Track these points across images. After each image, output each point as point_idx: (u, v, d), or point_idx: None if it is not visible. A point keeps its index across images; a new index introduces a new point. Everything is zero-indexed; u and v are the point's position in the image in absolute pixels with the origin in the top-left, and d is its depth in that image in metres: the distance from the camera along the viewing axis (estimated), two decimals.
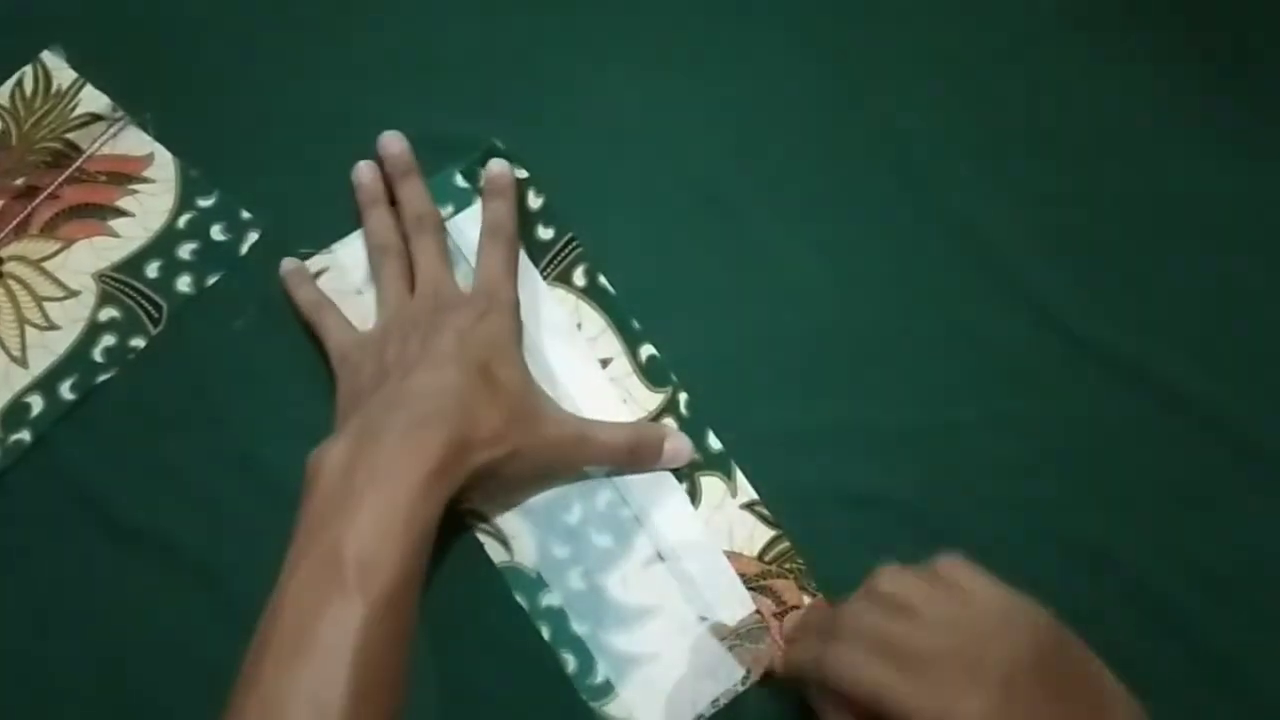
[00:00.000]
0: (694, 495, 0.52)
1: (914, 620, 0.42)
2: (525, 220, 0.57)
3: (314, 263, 0.56)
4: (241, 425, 0.54)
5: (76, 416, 0.54)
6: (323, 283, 0.56)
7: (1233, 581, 0.50)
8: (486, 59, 0.61)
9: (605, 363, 0.54)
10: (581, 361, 0.54)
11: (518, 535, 0.51)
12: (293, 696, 0.40)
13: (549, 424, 0.50)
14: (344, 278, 0.56)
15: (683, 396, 0.54)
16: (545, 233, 0.57)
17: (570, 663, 0.49)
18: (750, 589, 0.50)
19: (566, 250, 0.56)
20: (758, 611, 0.50)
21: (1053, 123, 0.59)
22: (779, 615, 0.50)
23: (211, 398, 0.55)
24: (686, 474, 0.52)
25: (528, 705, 0.49)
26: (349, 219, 0.57)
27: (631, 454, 0.52)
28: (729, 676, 0.49)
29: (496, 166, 0.56)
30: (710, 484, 0.52)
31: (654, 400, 0.54)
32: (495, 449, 0.47)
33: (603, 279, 0.56)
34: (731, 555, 0.51)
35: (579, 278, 0.56)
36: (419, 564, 0.44)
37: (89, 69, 0.60)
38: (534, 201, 0.57)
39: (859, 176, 0.58)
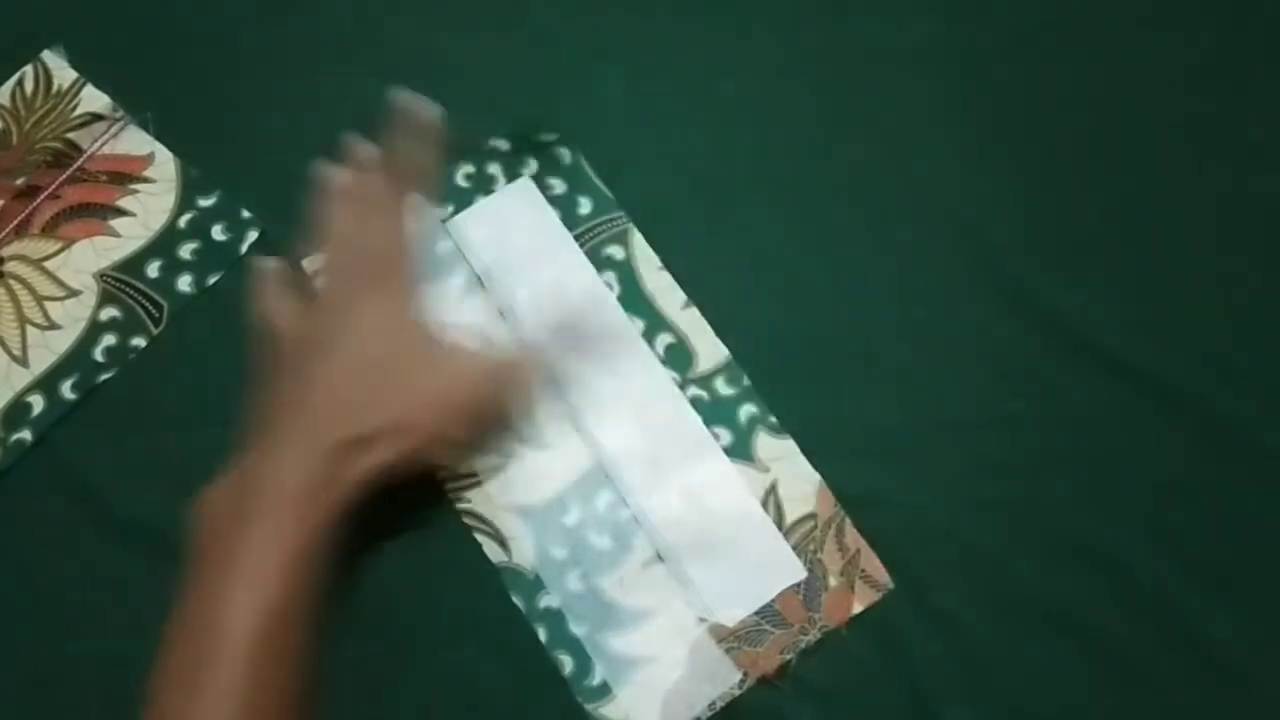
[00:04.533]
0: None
1: None
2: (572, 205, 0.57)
3: (314, 262, 0.56)
4: (241, 425, 0.54)
5: (77, 416, 0.54)
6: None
7: (1232, 581, 0.50)
8: (495, 58, 0.61)
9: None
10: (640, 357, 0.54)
11: (516, 536, 0.51)
12: None
13: (456, 386, 0.49)
14: None
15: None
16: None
17: (567, 664, 0.49)
18: None
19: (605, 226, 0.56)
20: None
21: (1053, 123, 0.58)
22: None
23: (211, 398, 0.55)
24: None
25: (524, 707, 0.49)
26: None
27: (531, 365, 0.52)
28: (726, 679, 0.49)
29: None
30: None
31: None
32: (391, 445, 0.47)
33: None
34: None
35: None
36: (312, 599, 0.44)
37: (89, 68, 0.60)
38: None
39: (858, 176, 0.58)
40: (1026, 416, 0.53)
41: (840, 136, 0.59)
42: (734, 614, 0.50)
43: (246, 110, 0.60)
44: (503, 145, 0.58)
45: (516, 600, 0.50)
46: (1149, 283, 0.55)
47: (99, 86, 0.60)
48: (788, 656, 0.49)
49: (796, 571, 0.50)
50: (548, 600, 0.50)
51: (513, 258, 0.56)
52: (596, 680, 0.49)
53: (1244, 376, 0.53)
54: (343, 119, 0.59)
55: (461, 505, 0.52)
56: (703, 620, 0.50)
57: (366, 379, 0.47)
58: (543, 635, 0.50)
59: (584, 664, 0.49)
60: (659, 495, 0.52)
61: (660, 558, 0.51)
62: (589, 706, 0.49)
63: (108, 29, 0.61)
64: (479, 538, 0.51)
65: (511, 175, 0.58)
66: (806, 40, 0.61)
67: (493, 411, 0.52)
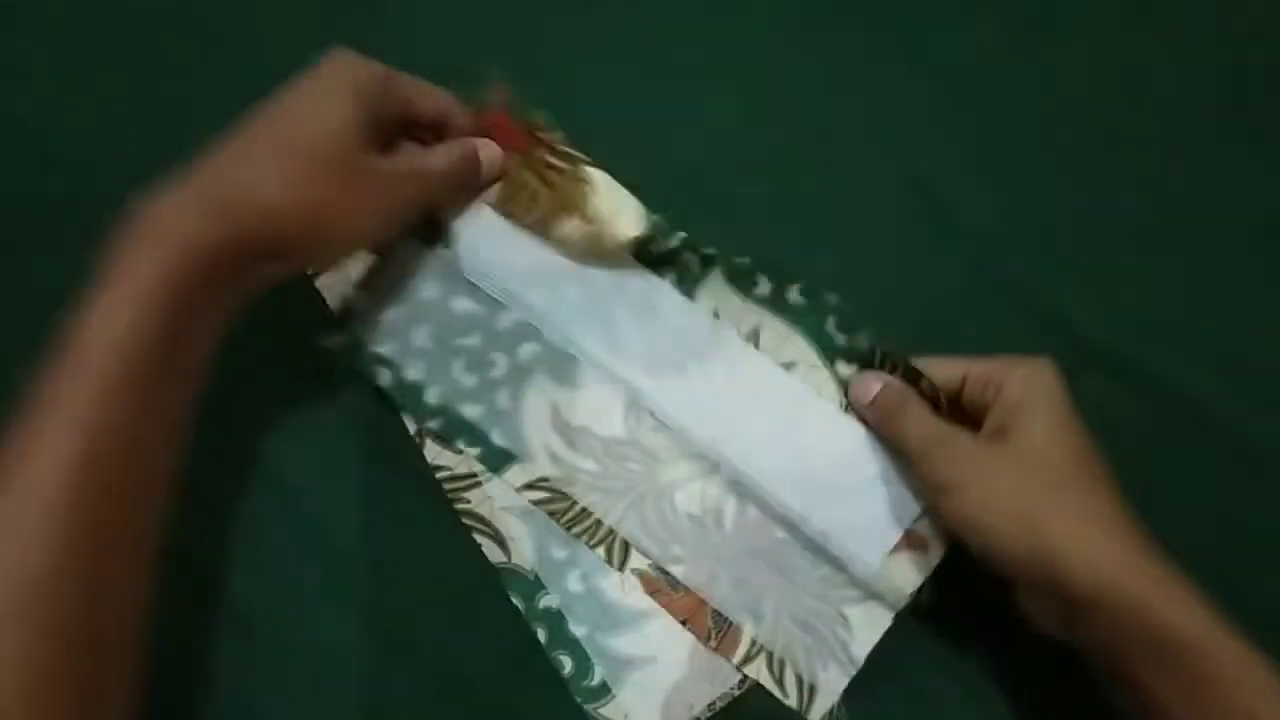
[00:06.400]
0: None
1: None
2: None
3: None
4: (241, 426, 0.54)
5: None
6: (322, 283, 0.56)
7: (1232, 580, 0.50)
8: (492, 57, 0.60)
9: (789, 366, 0.53)
10: (760, 369, 0.53)
11: (515, 537, 0.51)
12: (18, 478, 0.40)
13: (373, 184, 0.48)
14: (343, 277, 0.56)
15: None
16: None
17: (567, 665, 0.49)
18: None
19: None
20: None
21: (1053, 123, 0.58)
22: None
23: (212, 397, 0.55)
24: None
25: (524, 707, 0.49)
26: None
27: (461, 171, 0.52)
28: (726, 679, 0.49)
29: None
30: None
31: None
32: (297, 228, 0.46)
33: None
34: None
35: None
36: (174, 336, 0.43)
37: (88, 66, 0.60)
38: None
39: (858, 177, 0.58)
40: None
41: (840, 136, 0.59)
42: (877, 552, 0.49)
43: (246, 110, 0.60)
44: None
45: (516, 600, 0.51)
46: (1149, 283, 0.55)
47: (98, 85, 0.60)
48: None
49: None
50: (548, 600, 0.50)
51: (525, 267, 0.54)
52: (596, 680, 0.49)
53: (1245, 377, 0.53)
54: None
55: (461, 505, 0.52)
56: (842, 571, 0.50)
57: (285, 162, 0.46)
58: (542, 635, 0.50)
59: (584, 664, 0.49)
60: (765, 455, 0.51)
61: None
62: (589, 707, 0.49)
63: (107, 26, 0.62)
64: (479, 538, 0.51)
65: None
66: (808, 41, 0.61)
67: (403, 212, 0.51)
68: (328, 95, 0.48)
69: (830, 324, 0.53)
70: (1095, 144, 0.58)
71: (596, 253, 0.53)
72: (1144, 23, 0.61)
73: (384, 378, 0.53)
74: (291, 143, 0.47)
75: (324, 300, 0.56)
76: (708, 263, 0.53)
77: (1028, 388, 0.46)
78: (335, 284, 0.56)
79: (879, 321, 0.55)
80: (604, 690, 0.49)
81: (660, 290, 0.53)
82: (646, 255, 0.53)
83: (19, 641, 0.38)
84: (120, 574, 0.42)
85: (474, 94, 0.54)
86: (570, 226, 0.53)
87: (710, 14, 0.62)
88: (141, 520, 0.43)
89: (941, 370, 0.50)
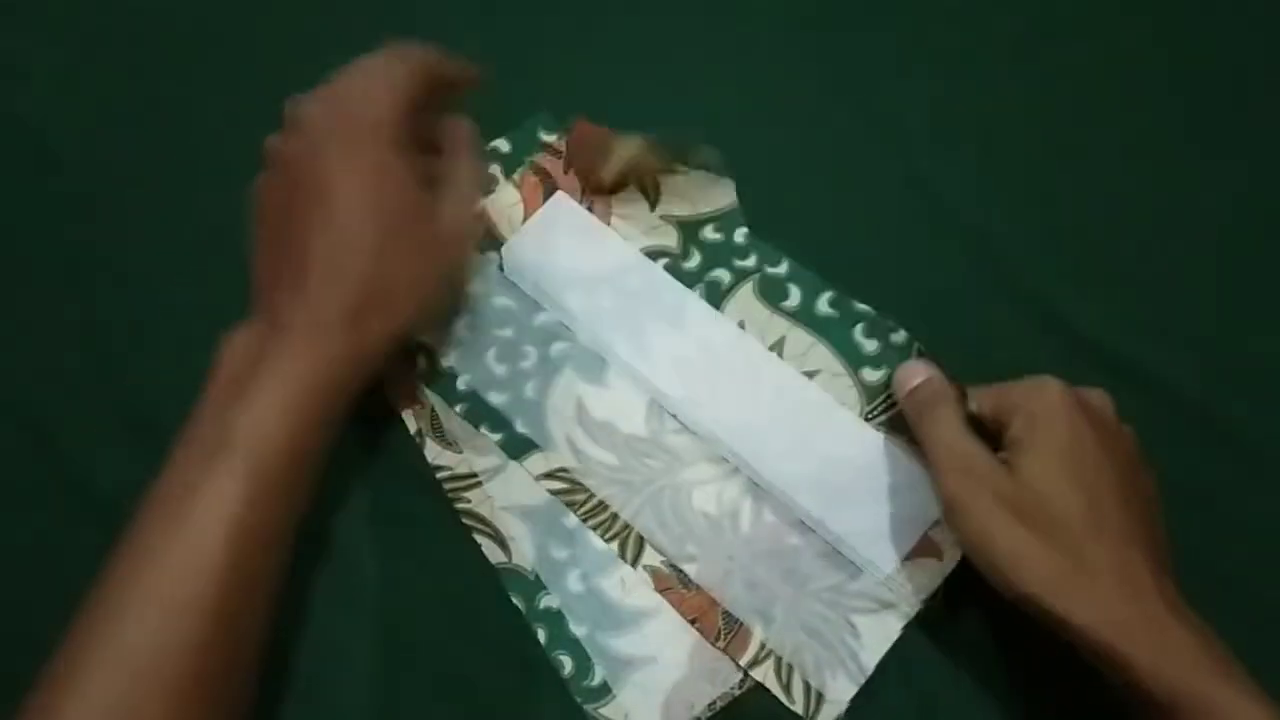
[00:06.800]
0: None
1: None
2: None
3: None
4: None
5: (78, 416, 0.54)
6: None
7: (1232, 580, 0.50)
8: (493, 57, 0.60)
9: (811, 375, 0.53)
10: (782, 377, 0.53)
11: (516, 537, 0.51)
12: (167, 556, 0.42)
13: (445, 251, 0.50)
14: None
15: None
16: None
17: (567, 665, 0.49)
18: None
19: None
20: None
21: (1053, 123, 0.58)
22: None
23: None
24: None
25: (524, 707, 0.49)
26: None
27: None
28: (727, 679, 0.49)
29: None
30: None
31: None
32: (405, 317, 0.48)
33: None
34: None
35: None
36: (313, 447, 0.45)
37: (88, 66, 0.60)
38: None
39: (858, 177, 0.58)
40: None
41: (840, 136, 0.59)
42: (891, 559, 0.50)
43: (246, 110, 0.60)
44: (503, 147, 0.58)
45: (516, 600, 0.50)
46: (1149, 283, 0.55)
47: (95, 83, 0.60)
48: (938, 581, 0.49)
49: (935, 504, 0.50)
50: (548, 600, 0.50)
51: (563, 272, 0.56)
52: (596, 680, 0.49)
53: (1245, 377, 0.53)
54: None
55: (461, 505, 0.52)
56: (862, 573, 0.50)
57: (352, 258, 0.46)
58: (542, 635, 0.50)
59: (584, 664, 0.49)
60: (785, 460, 0.52)
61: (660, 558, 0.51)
62: (589, 707, 0.49)
63: (106, 25, 0.61)
64: (479, 538, 0.51)
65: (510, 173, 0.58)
66: (808, 41, 0.61)
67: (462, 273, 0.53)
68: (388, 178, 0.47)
69: (858, 332, 0.54)
70: (1095, 144, 0.58)
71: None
72: (1144, 23, 0.61)
73: (420, 363, 0.54)
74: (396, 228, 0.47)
75: None
76: (741, 276, 0.55)
77: (1029, 425, 0.45)
78: None
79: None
80: (604, 690, 0.49)
81: (689, 301, 0.55)
82: (679, 272, 0.55)
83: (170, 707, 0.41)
84: (257, 639, 0.44)
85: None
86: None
87: (710, 14, 0.62)
88: (272, 592, 0.45)
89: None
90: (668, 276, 0.55)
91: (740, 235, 0.56)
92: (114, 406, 0.55)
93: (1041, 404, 0.46)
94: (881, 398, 0.52)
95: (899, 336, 0.53)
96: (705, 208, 0.56)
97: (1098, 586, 0.42)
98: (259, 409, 0.43)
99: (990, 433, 0.47)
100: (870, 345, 0.53)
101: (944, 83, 0.59)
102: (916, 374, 0.50)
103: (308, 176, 0.46)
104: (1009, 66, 0.60)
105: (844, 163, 0.58)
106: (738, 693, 0.48)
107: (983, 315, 0.55)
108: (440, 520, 0.52)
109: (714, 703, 0.48)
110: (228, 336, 0.46)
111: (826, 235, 0.56)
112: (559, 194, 0.57)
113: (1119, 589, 0.42)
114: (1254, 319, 0.55)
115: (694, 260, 0.55)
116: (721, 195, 0.56)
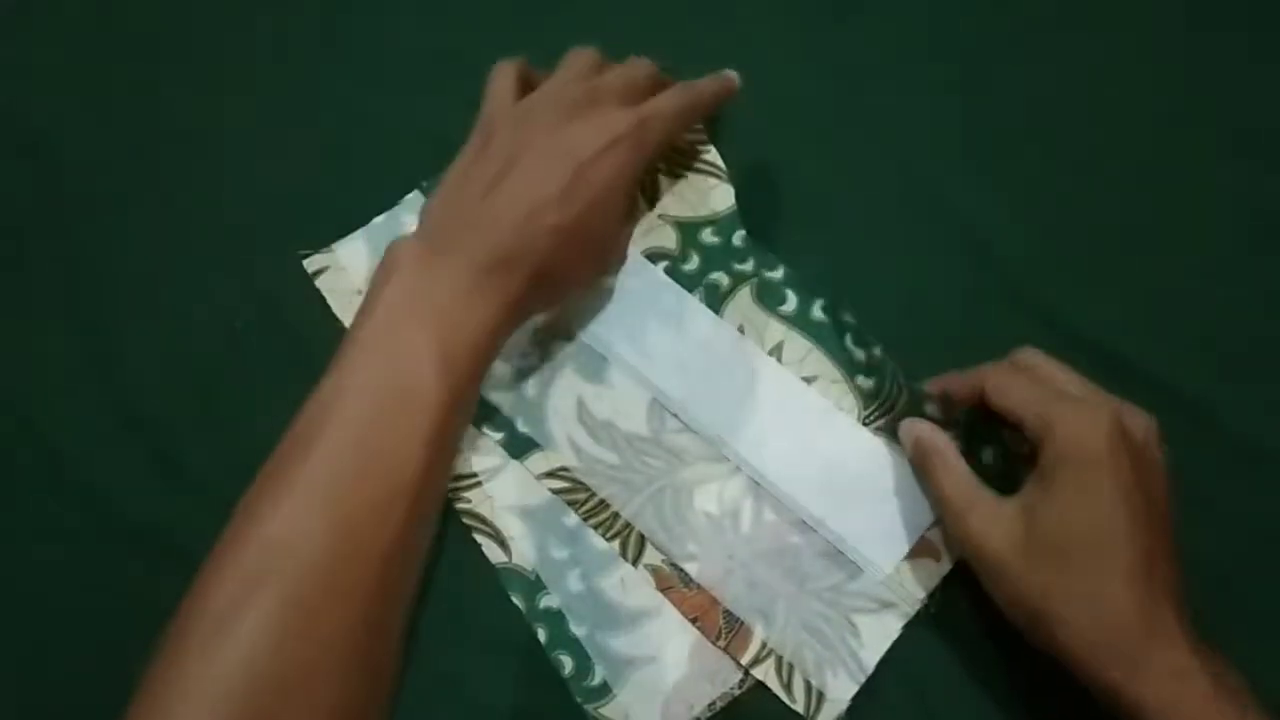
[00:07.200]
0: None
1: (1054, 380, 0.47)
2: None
3: (313, 262, 0.56)
4: (242, 425, 0.54)
5: (77, 415, 0.54)
6: (322, 283, 0.56)
7: (1232, 581, 0.50)
8: (493, 57, 0.61)
9: (810, 380, 0.53)
10: (782, 382, 0.53)
11: (516, 537, 0.51)
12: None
13: (613, 262, 0.53)
14: (344, 278, 0.56)
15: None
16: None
17: (567, 665, 0.49)
18: None
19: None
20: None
21: (1053, 123, 0.59)
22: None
23: (213, 397, 0.55)
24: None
25: (524, 707, 0.49)
26: (350, 218, 0.57)
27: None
28: (727, 679, 0.49)
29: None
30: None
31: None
32: (567, 293, 0.51)
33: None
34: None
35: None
36: (472, 394, 0.46)
37: (88, 66, 0.60)
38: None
39: (858, 177, 0.58)
40: None
41: (840, 136, 0.59)
42: (891, 558, 0.50)
43: (246, 110, 0.60)
44: None
45: (516, 600, 0.51)
46: (1149, 283, 0.55)
47: (91, 84, 0.60)
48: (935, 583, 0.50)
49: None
50: (548, 600, 0.50)
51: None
52: (596, 680, 0.49)
53: (1244, 376, 0.53)
54: (344, 118, 0.60)
55: (461, 505, 0.52)
56: (861, 571, 0.50)
57: (597, 251, 0.50)
58: (542, 635, 0.50)
59: (584, 664, 0.49)
60: (785, 461, 0.52)
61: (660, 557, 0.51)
62: (589, 706, 0.49)
63: (106, 23, 0.61)
64: (479, 538, 0.52)
65: None
66: (808, 41, 0.61)
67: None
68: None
69: (849, 340, 0.54)
70: (1095, 144, 0.58)
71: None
72: (1144, 23, 0.61)
73: None
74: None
75: (324, 299, 0.56)
76: (739, 280, 0.55)
77: (1065, 448, 0.44)
78: (335, 282, 0.56)
79: (879, 322, 0.55)
80: (604, 690, 0.49)
81: (689, 304, 0.54)
82: (678, 274, 0.55)
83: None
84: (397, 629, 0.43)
85: None
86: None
87: (710, 14, 0.62)
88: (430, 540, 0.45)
89: (1008, 400, 0.47)
90: (668, 279, 0.55)
91: (738, 239, 0.55)
92: (114, 406, 0.55)
93: (1083, 446, 0.44)
94: (876, 403, 0.52)
95: (878, 351, 0.53)
96: (703, 210, 0.56)
97: (1109, 624, 0.42)
98: (425, 361, 0.43)
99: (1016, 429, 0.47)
100: (859, 354, 0.53)
101: (944, 82, 0.59)
102: (910, 431, 0.50)
103: (567, 144, 0.48)
104: (1009, 66, 0.60)
105: (844, 163, 0.58)
106: (738, 693, 0.48)
107: (982, 315, 0.55)
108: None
109: (714, 703, 0.48)
110: (396, 248, 0.46)
111: (827, 235, 0.57)
112: None
113: (1132, 627, 0.42)
114: (1253, 319, 0.55)
115: (693, 263, 0.55)
116: (720, 198, 0.56)
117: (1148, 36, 0.60)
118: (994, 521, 0.45)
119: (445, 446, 0.44)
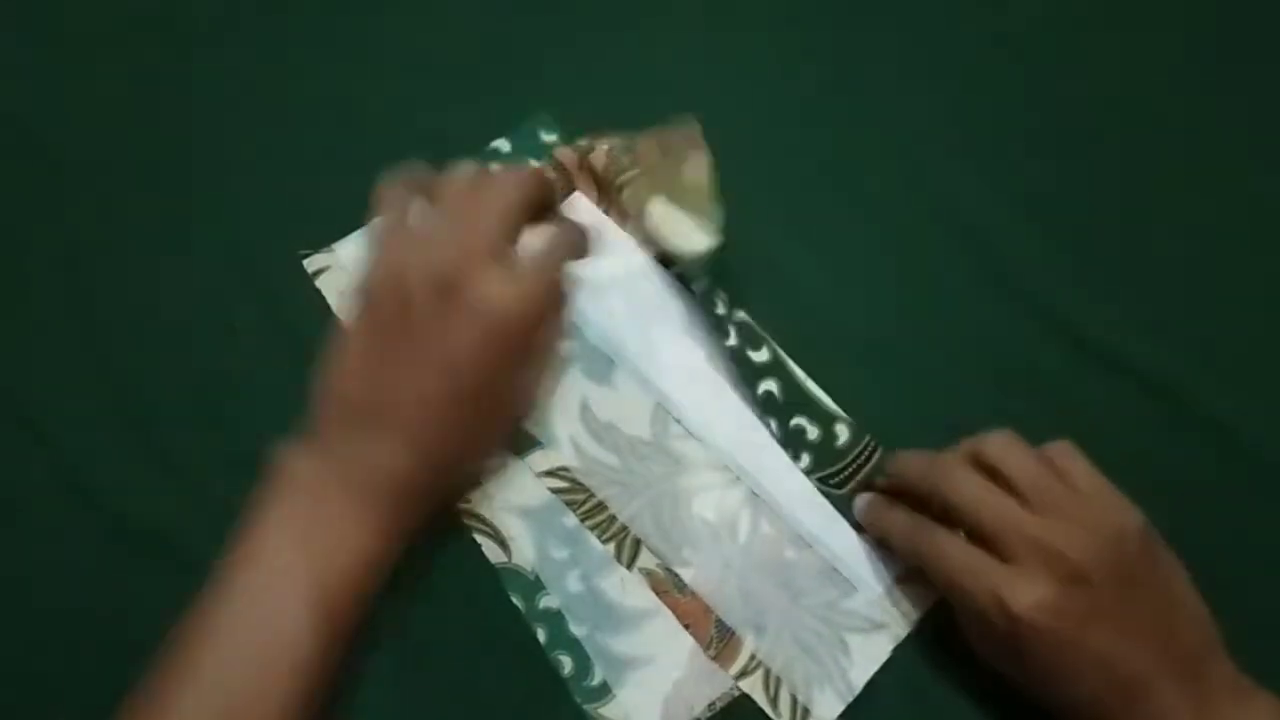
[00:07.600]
0: None
1: (1009, 498, 0.44)
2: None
3: (314, 262, 0.56)
4: (242, 425, 0.54)
5: (78, 415, 0.54)
6: (322, 282, 0.56)
7: (1231, 581, 0.50)
8: (493, 57, 0.61)
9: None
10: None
11: (516, 537, 0.51)
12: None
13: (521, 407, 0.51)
14: (344, 278, 0.56)
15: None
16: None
17: (567, 665, 0.49)
18: None
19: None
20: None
21: (1053, 123, 0.59)
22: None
23: (213, 397, 0.55)
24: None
25: (524, 707, 0.49)
26: (350, 218, 0.57)
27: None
28: (725, 680, 0.49)
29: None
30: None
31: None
32: (477, 466, 0.50)
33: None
34: None
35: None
36: (375, 590, 0.46)
37: (88, 66, 0.60)
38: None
39: (858, 178, 0.58)
40: (1026, 416, 0.53)
41: (841, 138, 0.59)
42: (884, 578, 0.50)
43: (246, 109, 0.60)
44: (504, 147, 0.58)
45: (516, 600, 0.50)
46: (1149, 283, 0.55)
47: (87, 83, 0.60)
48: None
49: None
50: (547, 601, 0.50)
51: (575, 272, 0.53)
52: (596, 681, 0.49)
53: (1244, 376, 0.54)
54: (344, 117, 0.60)
55: (461, 505, 0.52)
56: (856, 591, 0.50)
57: (454, 406, 0.45)
58: (542, 635, 0.50)
59: (584, 664, 0.49)
60: (785, 476, 0.52)
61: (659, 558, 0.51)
62: (589, 707, 0.49)
63: (105, 23, 0.61)
64: (478, 538, 0.51)
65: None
66: (808, 41, 0.61)
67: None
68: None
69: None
70: (1095, 143, 0.58)
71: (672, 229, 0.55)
72: (1144, 23, 0.61)
73: None
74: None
75: (324, 299, 0.56)
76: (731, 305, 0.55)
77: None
78: (335, 282, 0.56)
79: (879, 322, 0.55)
80: (604, 690, 0.49)
81: (698, 313, 0.55)
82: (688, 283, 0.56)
83: None
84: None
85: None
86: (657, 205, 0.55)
87: (710, 16, 0.62)
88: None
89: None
90: (679, 286, 0.55)
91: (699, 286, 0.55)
92: (114, 405, 0.55)
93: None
94: (853, 455, 0.53)
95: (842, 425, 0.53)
96: (673, 250, 0.54)
97: (1092, 680, 0.43)
98: (336, 566, 0.44)
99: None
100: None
101: (944, 82, 0.59)
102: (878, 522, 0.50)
103: (446, 358, 0.44)
104: (1009, 66, 0.60)
105: (844, 164, 0.58)
106: (737, 693, 0.48)
107: (982, 315, 0.55)
108: (440, 520, 0.52)
109: (714, 703, 0.48)
110: (290, 459, 0.46)
111: (826, 236, 0.57)
112: (577, 195, 0.57)
113: (1114, 683, 0.42)
114: (1253, 319, 0.55)
115: (702, 281, 0.55)
116: (697, 240, 0.54)
117: (1148, 36, 0.60)
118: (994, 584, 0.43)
119: (313, 693, 0.43)
